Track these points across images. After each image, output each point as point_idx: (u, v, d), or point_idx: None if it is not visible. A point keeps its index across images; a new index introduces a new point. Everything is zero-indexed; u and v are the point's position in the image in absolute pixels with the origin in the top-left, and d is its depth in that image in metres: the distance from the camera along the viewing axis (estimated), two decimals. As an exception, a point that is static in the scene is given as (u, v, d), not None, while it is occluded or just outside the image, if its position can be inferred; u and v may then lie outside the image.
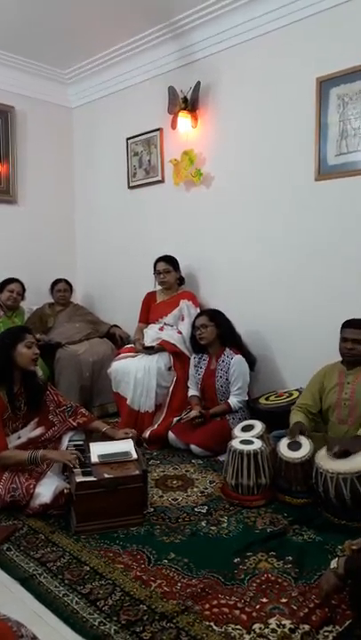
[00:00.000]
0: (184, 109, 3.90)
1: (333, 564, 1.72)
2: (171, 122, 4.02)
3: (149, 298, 4.14)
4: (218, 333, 3.42)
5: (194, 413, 3.29)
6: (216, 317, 3.45)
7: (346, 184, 3.21)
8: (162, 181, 4.31)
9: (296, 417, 2.81)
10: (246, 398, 3.37)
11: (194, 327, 3.50)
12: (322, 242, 3.36)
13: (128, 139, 4.52)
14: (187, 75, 3.97)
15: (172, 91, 3.98)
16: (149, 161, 4.39)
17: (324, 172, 3.29)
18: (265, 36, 3.53)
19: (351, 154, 3.17)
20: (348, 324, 2.76)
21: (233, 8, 3.54)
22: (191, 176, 3.95)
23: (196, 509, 2.52)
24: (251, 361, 3.48)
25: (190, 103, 3.90)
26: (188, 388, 3.57)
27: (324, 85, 3.23)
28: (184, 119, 3.93)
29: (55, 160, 4.96)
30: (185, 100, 3.90)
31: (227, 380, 3.36)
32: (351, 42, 3.12)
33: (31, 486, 2.43)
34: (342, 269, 3.28)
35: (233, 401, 3.32)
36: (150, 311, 4.08)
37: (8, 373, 2.66)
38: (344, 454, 2.37)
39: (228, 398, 3.36)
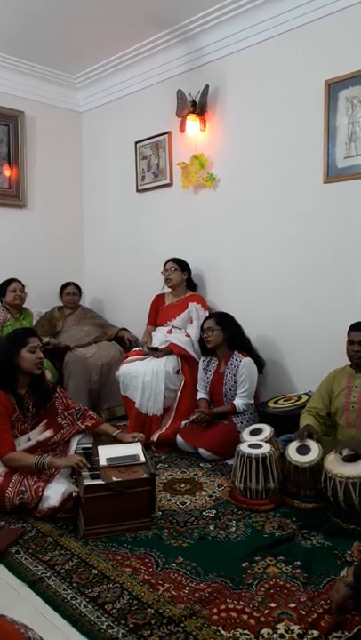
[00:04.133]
0: (192, 113, 3.91)
1: (343, 572, 1.70)
2: (179, 125, 4.03)
3: (158, 300, 4.15)
4: (225, 337, 3.41)
5: (194, 416, 3.30)
6: (223, 321, 3.44)
7: (355, 186, 3.20)
8: (170, 185, 4.32)
9: (306, 420, 2.80)
10: (252, 402, 3.35)
11: (202, 330, 3.49)
12: (331, 244, 3.35)
13: (137, 142, 4.54)
14: (195, 78, 3.98)
15: (180, 94, 3.99)
16: (158, 164, 4.41)
17: (333, 174, 3.28)
18: (273, 40, 3.53)
19: (360, 156, 3.16)
20: (355, 327, 2.76)
21: (241, 12, 3.55)
22: (203, 180, 3.96)
23: (204, 513, 2.51)
24: (259, 364, 3.47)
25: (199, 106, 3.91)
26: (197, 391, 3.56)
27: (333, 88, 3.22)
28: (193, 122, 3.94)
29: (64, 164, 4.99)
30: (193, 103, 3.91)
31: (235, 383, 3.35)
32: (359, 44, 3.11)
33: (40, 489, 2.44)
34: (352, 272, 3.26)
35: (238, 402, 3.31)
36: (159, 314, 4.09)
37: (14, 377, 2.68)
38: (353, 458, 2.35)
39: (235, 401, 3.35)
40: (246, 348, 3.47)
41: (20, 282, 4.12)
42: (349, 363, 2.82)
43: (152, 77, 4.34)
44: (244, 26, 3.62)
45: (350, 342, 2.76)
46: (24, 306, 4.21)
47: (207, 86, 3.86)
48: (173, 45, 4.04)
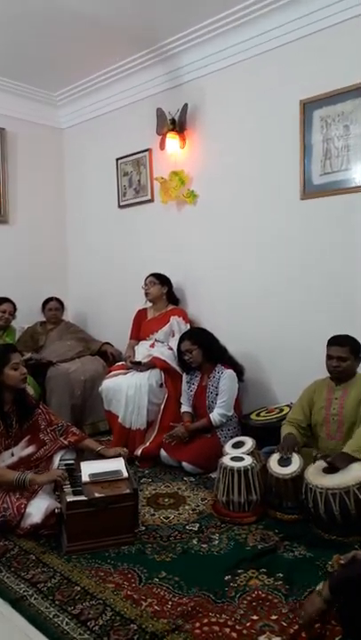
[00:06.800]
0: (172, 130, 3.98)
1: (319, 586, 1.69)
2: (159, 143, 4.10)
3: (140, 315, 4.17)
4: (203, 353, 3.44)
5: (171, 432, 3.33)
6: (198, 338, 3.46)
7: (330, 203, 3.28)
8: (151, 201, 4.37)
9: (287, 430, 2.83)
10: (230, 413, 3.36)
11: (180, 351, 3.52)
12: (308, 258, 3.42)
13: (118, 159, 4.59)
14: (174, 97, 4.05)
15: (160, 112, 4.06)
16: (139, 181, 4.46)
17: (310, 191, 3.36)
18: (250, 60, 3.63)
19: (335, 173, 3.24)
20: (333, 342, 2.79)
21: (219, 33, 3.63)
22: (184, 197, 4.02)
23: (187, 527, 2.53)
24: (238, 370, 3.50)
25: (178, 124, 3.98)
26: (181, 404, 3.58)
27: (308, 107, 3.32)
28: (172, 140, 4.01)
29: (46, 180, 5.02)
30: (173, 121, 3.98)
31: (217, 395, 3.38)
32: (333, 66, 3.22)
33: (22, 506, 2.43)
34: (329, 284, 3.33)
35: (214, 414, 3.32)
36: (141, 328, 4.11)
37: (-2, 395, 2.68)
38: (332, 469, 2.39)
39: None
40: (225, 357, 3.51)
41: (12, 303, 4.07)
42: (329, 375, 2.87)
43: (132, 95, 4.40)
44: (223, 46, 3.71)
45: (329, 357, 2.78)
46: (9, 323, 4.19)
47: (186, 105, 3.94)
48: (153, 64, 4.11)
